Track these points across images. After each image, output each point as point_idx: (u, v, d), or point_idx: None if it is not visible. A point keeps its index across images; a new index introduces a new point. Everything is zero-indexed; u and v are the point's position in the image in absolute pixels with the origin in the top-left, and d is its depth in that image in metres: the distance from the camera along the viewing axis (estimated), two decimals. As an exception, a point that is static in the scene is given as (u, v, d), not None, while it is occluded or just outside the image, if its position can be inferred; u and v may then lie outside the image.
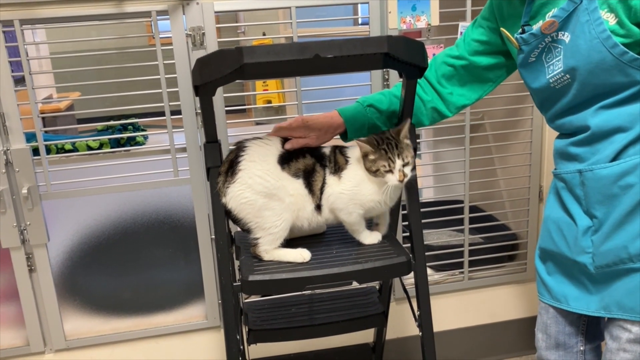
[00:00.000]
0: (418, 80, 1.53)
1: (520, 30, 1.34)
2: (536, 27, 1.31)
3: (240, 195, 1.41)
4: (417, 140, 1.72)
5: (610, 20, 1.18)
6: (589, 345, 1.48)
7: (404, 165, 1.39)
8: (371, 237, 1.52)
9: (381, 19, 1.97)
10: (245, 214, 1.43)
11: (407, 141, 1.42)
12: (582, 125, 1.29)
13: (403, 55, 1.27)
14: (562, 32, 1.25)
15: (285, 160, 1.43)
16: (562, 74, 1.27)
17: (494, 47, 1.51)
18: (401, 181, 1.39)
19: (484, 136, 2.42)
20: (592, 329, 1.46)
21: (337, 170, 1.44)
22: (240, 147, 1.45)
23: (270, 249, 1.44)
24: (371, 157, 1.40)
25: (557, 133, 1.41)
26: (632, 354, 1.28)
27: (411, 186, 1.47)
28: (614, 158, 1.25)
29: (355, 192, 1.43)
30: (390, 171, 1.39)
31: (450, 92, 1.57)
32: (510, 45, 1.40)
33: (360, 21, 5.12)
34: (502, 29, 1.41)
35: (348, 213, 1.45)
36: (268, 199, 1.41)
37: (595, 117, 1.26)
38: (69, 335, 2.05)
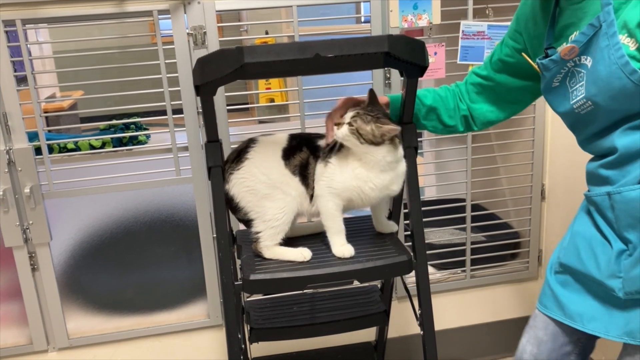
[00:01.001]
0: (455, 89, 1.56)
1: (543, 55, 1.30)
2: (560, 49, 1.27)
3: (243, 183, 1.44)
4: (419, 139, 1.72)
5: (630, 45, 1.14)
6: None
7: (349, 124, 1.36)
8: (342, 249, 1.44)
9: (382, 18, 1.97)
10: (246, 202, 1.45)
11: (375, 129, 1.35)
12: (610, 147, 1.24)
13: (404, 55, 1.27)
14: (585, 57, 1.21)
15: (287, 156, 1.45)
16: (585, 100, 1.23)
17: (520, 69, 1.46)
18: (335, 124, 1.39)
19: (486, 134, 2.41)
20: (587, 349, 1.45)
21: (327, 157, 1.43)
22: (252, 139, 1.49)
23: (271, 245, 1.44)
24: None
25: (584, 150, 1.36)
26: None
27: (412, 184, 1.47)
28: None
29: (332, 178, 1.41)
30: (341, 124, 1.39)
31: (479, 108, 1.55)
32: (534, 69, 1.36)
33: (362, 19, 5.12)
34: (522, 54, 1.37)
35: (325, 201, 1.42)
36: (271, 190, 1.43)
37: (622, 139, 1.22)
38: (71, 334, 2.06)
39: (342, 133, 1.37)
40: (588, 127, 1.28)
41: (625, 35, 1.14)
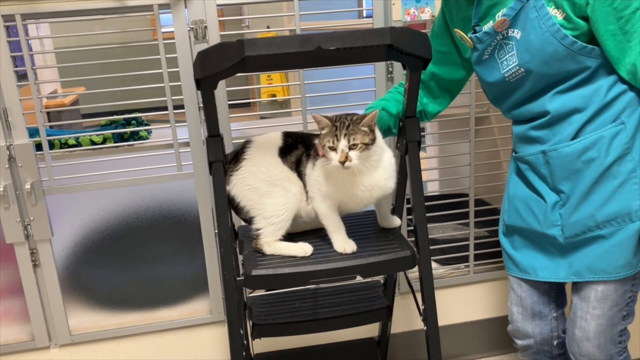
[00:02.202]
0: (402, 90, 1.61)
1: (472, 32, 1.45)
2: (486, 27, 1.42)
3: (243, 182, 1.44)
4: (422, 133, 1.72)
5: (558, 15, 1.31)
6: (559, 311, 1.64)
7: (350, 148, 1.31)
8: (343, 244, 1.42)
9: (385, 11, 1.96)
10: (247, 201, 1.45)
11: (365, 128, 1.32)
12: (541, 111, 1.42)
13: (406, 47, 1.25)
14: (512, 30, 1.37)
15: (284, 153, 1.46)
16: (517, 67, 1.38)
17: (453, 57, 1.61)
18: (342, 162, 1.30)
19: (489, 129, 2.40)
20: (560, 296, 1.64)
21: (315, 158, 1.43)
22: (247, 141, 1.49)
23: (272, 241, 1.44)
24: (324, 131, 1.35)
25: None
26: (600, 310, 1.46)
27: (415, 179, 1.46)
28: (574, 136, 1.39)
29: (321, 181, 1.40)
30: (334, 149, 1.32)
31: (426, 103, 1.68)
32: (463, 45, 1.50)
33: (365, 13, 5.09)
34: (455, 29, 1.49)
35: (318, 202, 1.42)
36: (271, 187, 1.43)
37: (552, 102, 1.39)
38: (73, 330, 2.05)
39: (355, 159, 1.31)
40: (515, 94, 1.45)
41: (552, 7, 1.31)
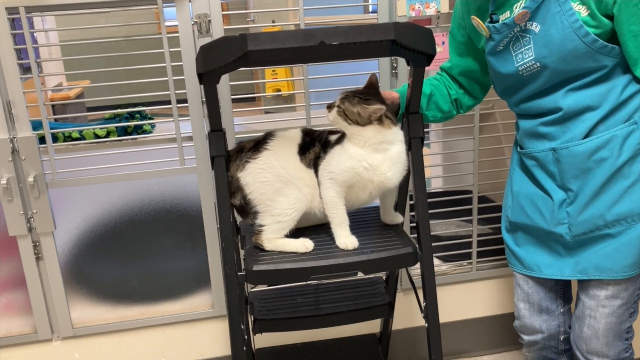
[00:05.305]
0: (441, 78, 1.64)
1: (489, 20, 1.41)
2: (503, 17, 1.41)
3: (259, 174, 1.42)
4: (426, 130, 1.71)
5: (582, 12, 1.29)
6: (566, 307, 1.64)
7: (338, 106, 1.40)
8: (346, 240, 1.42)
9: (389, 6, 1.94)
10: (258, 194, 1.43)
11: (356, 108, 1.38)
12: (553, 107, 1.39)
13: (410, 43, 1.25)
14: (531, 23, 1.34)
15: (303, 151, 1.44)
16: (533, 62, 1.36)
17: (475, 47, 1.58)
18: (327, 107, 1.43)
19: (494, 125, 2.39)
20: (567, 292, 1.64)
21: (331, 147, 1.43)
22: (270, 133, 1.48)
23: (273, 238, 1.43)
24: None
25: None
26: (610, 308, 1.47)
27: (418, 175, 1.46)
28: (587, 135, 1.37)
29: (330, 162, 1.40)
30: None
31: (462, 93, 1.66)
32: (479, 33, 1.47)
33: (370, 8, 5.08)
34: (473, 17, 1.45)
35: (325, 188, 1.41)
36: (285, 185, 1.41)
37: (566, 99, 1.37)
38: (75, 323, 2.06)
39: (331, 116, 1.41)
40: (527, 88, 1.42)
41: (577, 3, 1.28)
